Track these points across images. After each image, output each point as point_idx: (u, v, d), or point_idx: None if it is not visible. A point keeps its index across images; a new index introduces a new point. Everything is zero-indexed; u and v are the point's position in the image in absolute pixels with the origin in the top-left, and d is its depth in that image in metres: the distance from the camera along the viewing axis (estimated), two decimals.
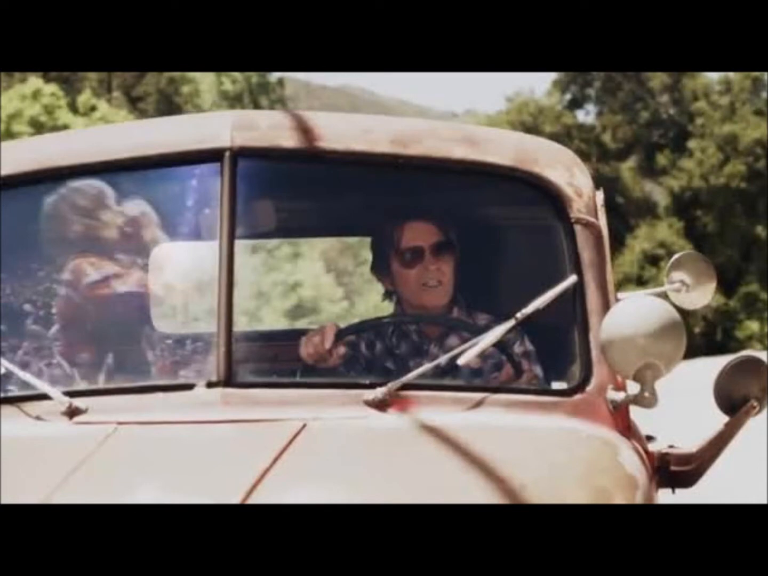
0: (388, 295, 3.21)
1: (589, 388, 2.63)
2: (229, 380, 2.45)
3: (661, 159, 43.41)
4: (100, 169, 2.76)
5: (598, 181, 3.00)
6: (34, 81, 26.23)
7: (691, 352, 4.85)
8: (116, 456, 2.24)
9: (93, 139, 2.91)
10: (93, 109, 28.70)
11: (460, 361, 2.56)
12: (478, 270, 3.20)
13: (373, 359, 3.11)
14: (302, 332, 2.98)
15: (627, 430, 2.70)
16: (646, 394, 2.44)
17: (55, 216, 2.78)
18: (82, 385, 2.64)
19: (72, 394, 2.47)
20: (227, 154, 2.61)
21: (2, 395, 2.56)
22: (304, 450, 2.21)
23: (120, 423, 2.36)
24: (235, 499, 1.95)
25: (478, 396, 2.56)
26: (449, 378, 2.72)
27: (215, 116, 3.02)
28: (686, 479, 2.89)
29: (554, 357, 2.87)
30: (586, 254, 2.73)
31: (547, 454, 2.40)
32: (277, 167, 2.78)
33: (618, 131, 43.56)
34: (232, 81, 37.37)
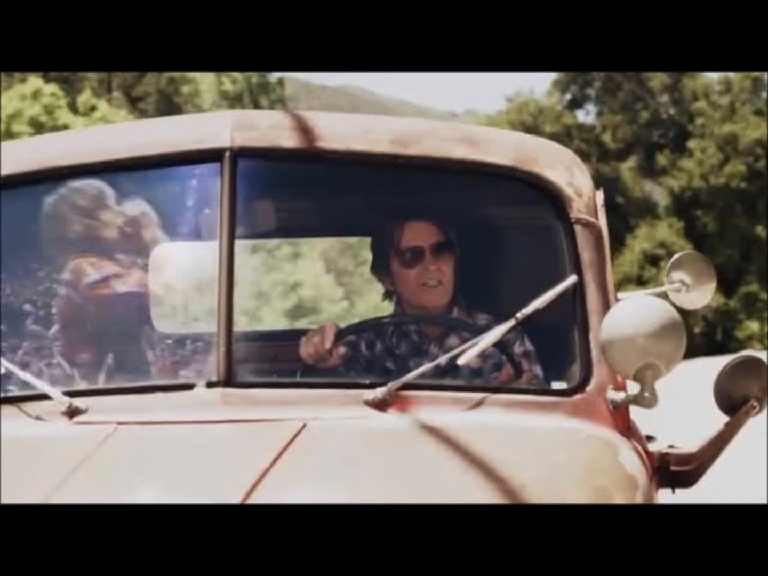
0: (388, 295, 3.21)
1: (589, 388, 2.63)
2: (229, 380, 2.45)
3: (661, 159, 43.41)
4: (100, 169, 2.76)
5: (598, 181, 3.00)
6: (34, 81, 26.23)
7: (691, 352, 4.85)
8: (116, 456, 2.24)
9: (93, 139, 2.91)
10: (93, 109, 28.70)
11: (460, 361, 2.56)
12: (478, 270, 3.20)
13: (373, 359, 3.11)
14: (302, 332, 2.98)
15: (627, 430, 2.70)
16: (646, 394, 2.44)
17: (55, 216, 2.78)
18: (82, 385, 2.63)
19: (72, 394, 2.47)
20: (227, 154, 2.61)
21: (2, 395, 2.56)
22: (304, 450, 2.21)
23: (120, 423, 2.36)
24: (235, 499, 1.95)
25: (478, 396, 2.56)
26: (449, 378, 2.72)
27: (215, 116, 3.02)
28: (686, 479, 2.89)
29: (554, 357, 2.87)
30: (586, 254, 2.73)
31: (547, 454, 2.40)
32: (277, 167, 2.78)
33: (618, 131, 43.57)
34: (232, 81, 37.37)
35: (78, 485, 2.07)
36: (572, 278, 2.69)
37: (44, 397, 2.48)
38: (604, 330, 2.44)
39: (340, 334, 2.91)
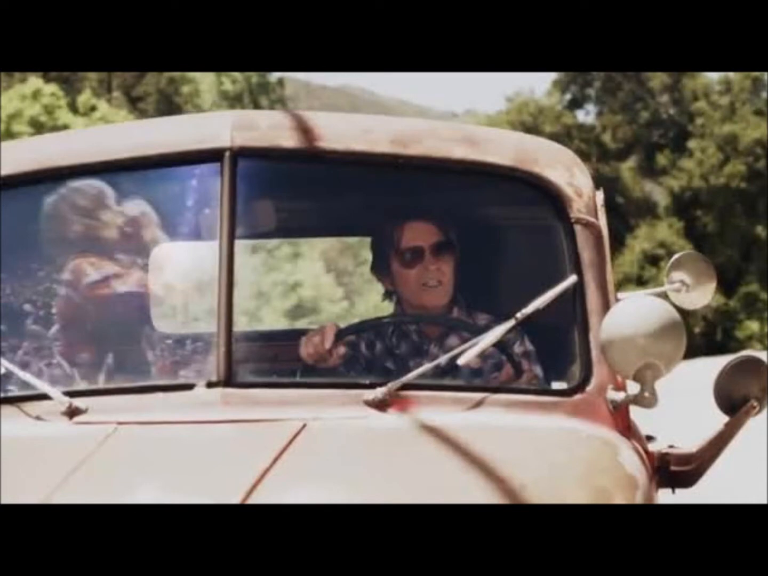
0: (388, 295, 3.21)
1: (589, 388, 2.63)
2: (229, 380, 2.45)
3: (661, 159, 43.41)
4: (100, 169, 2.76)
5: (598, 181, 3.00)
6: (34, 81, 26.23)
7: (691, 352, 4.85)
8: (116, 456, 2.24)
9: (93, 139, 2.91)
10: (93, 109, 28.70)
11: (460, 361, 2.56)
12: (478, 270, 3.20)
13: (373, 359, 3.11)
14: (302, 332, 2.98)
15: (627, 430, 2.70)
16: (646, 394, 2.44)
17: (55, 216, 2.78)
18: (82, 385, 2.63)
19: (72, 394, 2.47)
20: (227, 154, 2.61)
21: (2, 395, 2.56)
22: (304, 450, 2.21)
23: (120, 423, 2.35)
24: (235, 499, 1.95)
25: (478, 396, 2.56)
26: (449, 378, 2.72)
27: (215, 116, 3.02)
28: (686, 479, 2.89)
29: (554, 357, 2.87)
30: (586, 254, 2.73)
31: (547, 454, 2.40)
32: (277, 167, 2.78)
33: (618, 131, 43.57)
34: (232, 81, 37.37)
35: (78, 485, 2.07)
36: (572, 278, 2.69)
37: (44, 397, 2.48)
38: (604, 330, 2.44)
39: (340, 334, 2.91)
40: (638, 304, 2.45)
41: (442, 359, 2.60)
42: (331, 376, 2.84)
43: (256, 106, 34.57)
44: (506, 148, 2.82)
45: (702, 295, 2.83)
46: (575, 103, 45.13)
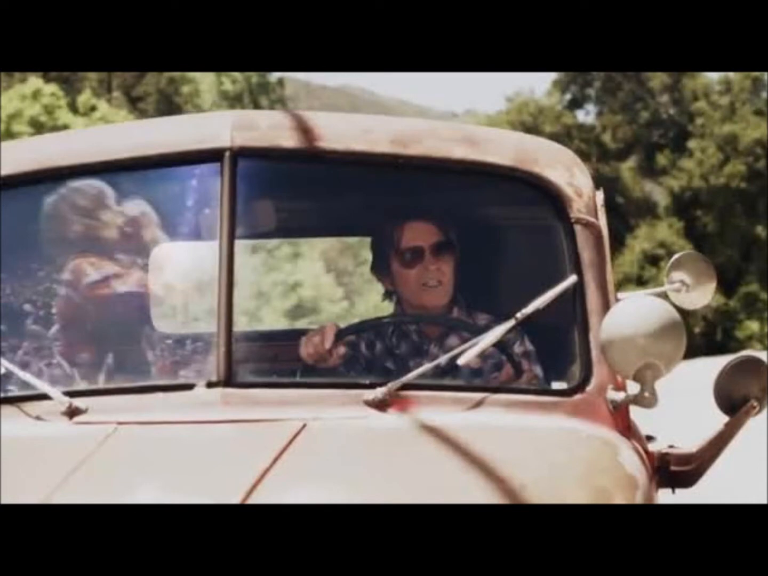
0: (388, 295, 3.21)
1: (589, 388, 2.63)
2: (229, 380, 2.45)
3: (661, 159, 43.41)
4: (100, 169, 2.76)
5: (598, 181, 3.00)
6: (34, 81, 26.23)
7: (691, 352, 4.85)
8: (116, 456, 2.24)
9: (93, 139, 2.91)
10: (93, 109, 28.70)
11: (460, 361, 2.56)
12: (478, 270, 3.20)
13: (373, 359, 3.11)
14: (302, 332, 2.98)
15: (627, 430, 2.70)
16: (646, 394, 2.44)
17: (55, 216, 2.78)
18: (82, 385, 2.63)
19: (72, 394, 2.47)
20: (227, 154, 2.61)
21: (2, 395, 2.56)
22: (304, 450, 2.21)
23: (120, 423, 2.35)
24: (235, 499, 1.95)
25: (478, 396, 2.56)
26: (449, 378, 2.72)
27: (215, 116, 3.02)
28: (686, 479, 2.89)
29: (554, 357, 2.87)
30: (586, 254, 2.73)
31: (547, 454, 2.40)
32: (277, 167, 2.78)
33: (618, 131, 43.57)
34: (232, 81, 37.37)
35: (78, 485, 2.07)
36: (572, 278, 2.69)
37: (44, 397, 2.48)
38: (604, 330, 2.44)
39: (340, 334, 2.91)
40: (638, 304, 2.45)
41: (442, 359, 2.60)
42: (331, 376, 2.84)
43: (256, 106, 34.57)
44: (506, 148, 2.82)
45: (702, 295, 2.83)
46: (575, 103, 45.14)
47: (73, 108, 28.07)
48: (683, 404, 10.85)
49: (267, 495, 1.98)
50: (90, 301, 2.75)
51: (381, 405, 2.46)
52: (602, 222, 2.84)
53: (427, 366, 2.56)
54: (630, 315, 2.42)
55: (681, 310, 2.58)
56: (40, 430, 2.44)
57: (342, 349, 2.90)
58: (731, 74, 41.59)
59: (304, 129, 2.73)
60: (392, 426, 2.42)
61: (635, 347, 2.39)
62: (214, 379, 2.45)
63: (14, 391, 2.58)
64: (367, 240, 3.32)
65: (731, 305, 39.19)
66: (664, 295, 2.74)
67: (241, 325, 2.66)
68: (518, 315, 2.60)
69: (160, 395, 2.47)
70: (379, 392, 2.47)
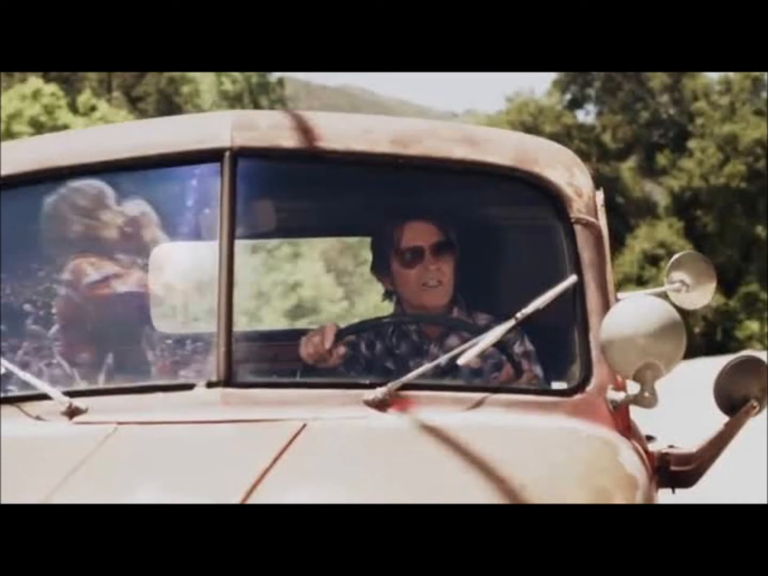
0: (388, 295, 3.21)
1: (589, 388, 2.63)
2: (229, 380, 2.45)
3: (661, 159, 43.42)
4: (100, 169, 2.76)
5: (598, 181, 3.00)
6: (34, 81, 26.23)
7: (691, 352, 4.85)
8: (116, 456, 2.24)
9: (93, 139, 2.91)
10: (93, 109, 28.70)
11: (460, 361, 2.56)
12: (478, 270, 3.20)
13: (373, 359, 3.11)
14: (302, 332, 2.98)
15: (627, 430, 2.70)
16: (646, 394, 2.44)
17: (55, 216, 2.78)
18: (82, 385, 2.63)
19: (72, 394, 2.47)
20: (227, 154, 2.61)
21: (2, 395, 2.56)
22: (304, 450, 2.21)
23: (120, 423, 2.35)
24: (235, 499, 1.95)
25: (478, 396, 2.56)
26: (449, 378, 2.72)
27: (215, 116, 3.02)
28: (686, 479, 2.89)
29: (554, 357, 2.87)
30: (586, 254, 2.73)
31: (547, 454, 2.40)
32: (277, 167, 2.78)
33: (618, 131, 43.57)
34: (232, 81, 37.37)
35: (78, 485, 2.07)
36: (572, 278, 2.69)
37: (44, 397, 2.48)
38: (604, 330, 2.44)
39: (340, 334, 2.91)
40: (638, 304, 2.45)
41: (442, 359, 2.60)
42: (331, 376, 2.84)
43: (256, 106, 34.57)
44: (506, 148, 2.82)
45: (702, 295, 2.83)
46: (575, 103, 45.14)
47: (73, 108, 28.07)
48: (683, 404, 10.85)
49: (267, 495, 1.98)
50: (90, 301, 2.75)
51: (381, 405, 2.46)
52: (602, 222, 2.84)
53: (427, 366, 2.56)
54: (630, 315, 2.41)
55: (681, 310, 2.58)
56: (40, 430, 2.44)
57: (342, 349, 2.90)
58: (731, 74, 41.61)
59: (304, 129, 2.73)
60: (392, 426, 2.42)
61: (635, 347, 2.39)
62: (214, 379, 2.45)
63: (14, 391, 2.57)
64: (367, 240, 3.32)
65: (731, 305, 39.19)
66: (664, 295, 2.74)
67: (241, 325, 2.66)
68: (518, 315, 2.60)
69: (160, 395, 2.47)
70: (379, 392, 2.47)
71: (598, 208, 2.85)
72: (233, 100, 35.92)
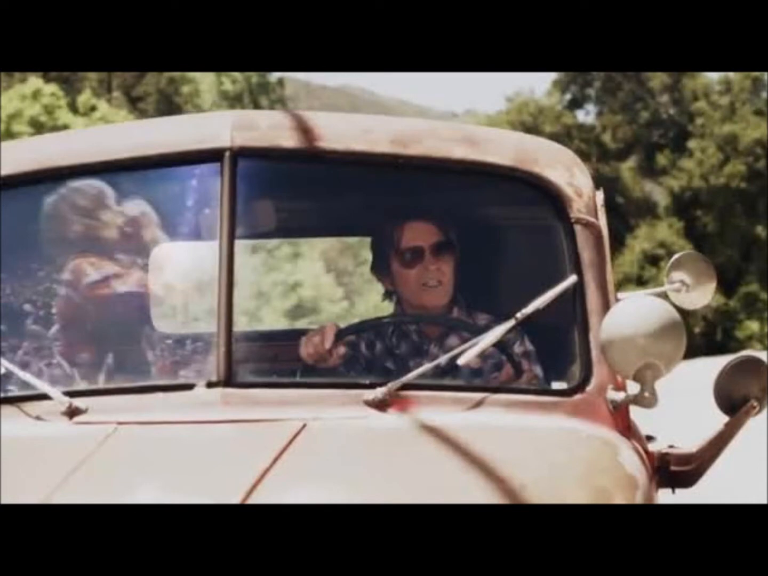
0: (388, 295, 3.21)
1: (589, 388, 2.63)
2: (229, 380, 2.45)
3: (661, 159, 43.42)
4: (100, 169, 2.76)
5: (598, 181, 3.00)
6: (34, 81, 26.23)
7: (691, 352, 4.85)
8: (116, 456, 2.24)
9: (93, 139, 2.91)
10: (93, 109, 28.70)
11: (460, 361, 2.56)
12: (478, 270, 3.20)
13: (373, 359, 3.11)
14: (302, 332, 2.98)
15: (627, 430, 2.70)
16: (646, 394, 2.44)
17: (55, 216, 2.78)
18: (82, 385, 2.63)
19: (72, 394, 2.47)
20: (227, 154, 2.61)
21: (2, 395, 2.56)
22: (304, 450, 2.21)
23: (120, 423, 2.35)
24: (235, 499, 1.95)
25: (478, 396, 2.56)
26: (449, 378, 2.72)
27: (215, 116, 3.02)
28: (686, 479, 2.89)
29: (554, 357, 2.87)
30: (586, 254, 2.73)
31: (547, 454, 2.40)
32: (277, 167, 2.78)
33: (618, 131, 43.57)
34: (232, 81, 37.37)
35: (78, 485, 2.07)
36: (572, 278, 2.69)
37: (44, 397, 2.48)
38: (604, 330, 2.44)
39: (340, 334, 2.91)
40: (638, 304, 2.45)
41: (442, 359, 2.60)
42: (331, 376, 2.84)
43: (256, 106, 34.57)
44: (506, 148, 2.82)
45: (702, 295, 2.83)
46: (575, 103, 45.14)
47: (73, 108, 28.07)
48: (683, 404, 10.85)
49: (267, 495, 1.98)
50: (90, 301, 2.75)
51: (381, 405, 2.46)
52: (602, 222, 2.84)
53: (427, 366, 2.56)
54: (630, 315, 2.41)
55: (681, 310, 2.58)
56: (40, 430, 2.44)
57: (342, 349, 2.90)
58: (731, 74, 41.61)
59: (304, 129, 2.73)
60: (392, 426, 2.42)
61: (635, 347, 2.39)
62: (214, 379, 2.45)
63: (14, 391, 2.57)
64: (367, 240, 3.32)
65: (731, 305, 39.19)
66: (664, 295, 2.74)
67: (241, 325, 2.66)
68: (518, 315, 2.60)
69: (160, 395, 2.47)
70: (379, 392, 2.47)
71: (598, 208, 2.85)
72: (233, 100, 35.92)
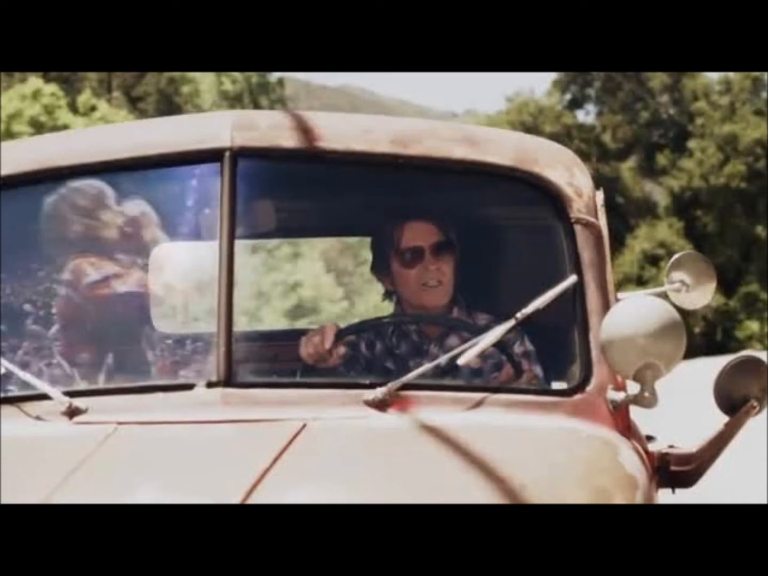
0: (388, 295, 3.21)
1: (589, 388, 2.63)
2: (229, 380, 2.45)
3: (661, 159, 43.42)
4: (100, 169, 2.76)
5: (598, 181, 3.00)
6: (34, 81, 26.23)
7: (691, 352, 4.85)
8: (116, 456, 2.24)
9: (93, 139, 2.91)
10: (93, 109, 28.70)
11: (460, 361, 2.56)
12: (478, 270, 3.20)
13: (373, 359, 3.11)
14: (302, 332, 2.98)
15: (627, 430, 2.70)
16: (646, 394, 2.44)
17: (55, 216, 2.78)
18: (82, 385, 2.63)
19: (72, 394, 2.47)
20: (227, 154, 2.61)
21: (2, 395, 2.56)
22: (304, 450, 2.21)
23: (120, 423, 2.36)
24: (235, 499, 1.95)
25: (478, 396, 2.56)
26: (449, 378, 2.72)
27: (215, 116, 3.02)
28: (686, 479, 2.89)
29: (554, 357, 2.87)
30: (586, 254, 2.73)
31: (547, 454, 2.40)
32: (277, 167, 2.78)
33: (618, 131, 43.57)
34: (232, 81, 37.37)
35: (78, 485, 2.07)
36: (572, 278, 2.69)
37: (44, 397, 2.48)
38: (604, 330, 2.44)
39: (340, 334, 2.91)
40: (638, 304, 2.45)
41: (442, 359, 2.60)
42: (331, 376, 2.84)
43: (256, 106, 34.57)
44: (506, 148, 2.82)
45: (702, 295, 2.83)
46: (575, 103, 45.14)
47: (73, 108, 28.07)
48: (683, 404, 10.85)
49: (267, 495, 1.98)
50: (90, 301, 2.75)
51: (381, 405, 2.46)
52: (602, 222, 2.84)
53: (427, 366, 2.56)
54: (630, 315, 2.41)
55: (681, 310, 2.58)
56: (40, 430, 2.44)
57: (342, 349, 2.90)
58: (731, 74, 41.60)
59: (304, 129, 2.73)
60: (392, 426, 2.42)
61: (635, 347, 2.39)
62: (214, 379, 2.45)
63: (14, 391, 2.57)
64: (367, 240, 3.32)
65: (731, 305, 39.19)
66: (664, 295, 2.74)
67: (241, 325, 2.66)
68: (518, 315, 2.60)
69: (160, 395, 2.47)
70: (379, 392, 2.47)
71: (598, 208, 2.85)
72: (233, 100, 35.92)
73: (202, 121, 2.86)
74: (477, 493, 2.06)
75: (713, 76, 43.71)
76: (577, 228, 2.75)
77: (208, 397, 2.42)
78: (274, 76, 40.26)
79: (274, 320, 17.78)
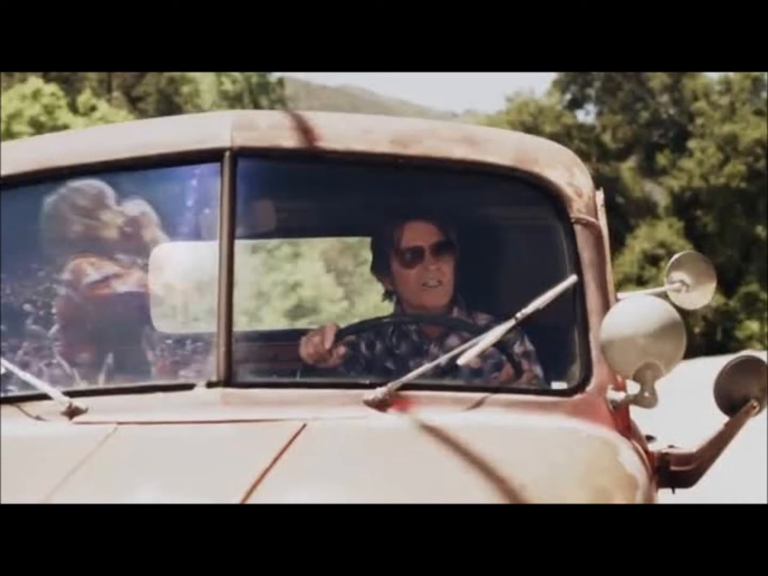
0: (388, 295, 3.21)
1: (589, 388, 2.63)
2: (229, 380, 2.45)
3: (661, 159, 43.42)
4: (100, 169, 2.76)
5: (598, 181, 3.00)
6: (34, 81, 26.23)
7: (691, 352, 4.85)
8: (116, 456, 2.24)
9: (93, 139, 2.91)
10: (93, 109, 28.70)
11: (460, 361, 2.56)
12: (478, 270, 3.20)
13: (373, 359, 3.11)
14: (302, 332, 2.98)
15: (627, 430, 2.70)
16: (646, 394, 2.44)
17: (55, 216, 2.78)
18: (82, 385, 2.63)
19: (72, 394, 2.47)
20: (227, 154, 2.61)
21: (2, 395, 2.56)
22: (304, 450, 2.21)
23: (120, 423, 2.36)
24: (235, 499, 1.95)
25: (478, 396, 2.56)
26: (449, 378, 2.72)
27: (215, 116, 3.02)
28: (686, 479, 2.89)
29: (554, 357, 2.87)
30: (586, 254, 2.73)
31: (547, 454, 2.40)
32: (277, 167, 2.78)
33: (618, 131, 43.57)
34: (232, 81, 37.37)
35: (78, 485, 2.07)
36: (572, 278, 2.69)
37: (44, 397, 2.48)
38: (604, 330, 2.44)
39: (340, 334, 2.91)
40: (638, 304, 2.45)
41: (442, 359, 2.60)
42: (331, 376, 2.84)
43: (256, 106, 34.57)
44: (506, 148, 2.82)
45: (702, 295, 2.83)
46: (575, 103, 45.14)
47: (73, 108, 28.07)
48: (683, 404, 10.85)
49: (267, 495, 1.98)
50: (90, 301, 2.75)
51: (381, 405, 2.46)
52: (602, 222, 2.84)
53: (427, 366, 2.56)
54: (630, 315, 2.42)
55: (681, 310, 2.58)
56: (40, 430, 2.44)
57: (342, 349, 2.90)
58: (731, 74, 41.60)
59: (304, 129, 2.73)
60: (392, 426, 2.42)
61: (635, 347, 2.39)
62: (214, 379, 2.45)
63: (14, 391, 2.58)
64: (367, 240, 3.32)
65: (731, 305, 39.19)
66: (664, 295, 2.74)
67: (241, 325, 2.66)
68: (518, 315, 2.60)
69: (160, 395, 2.47)
70: (379, 392, 2.47)
71: (598, 208, 2.85)
72: (233, 100, 35.92)
73: (202, 121, 2.86)
74: (477, 493, 2.06)
75: (713, 76, 43.77)
76: (577, 228, 2.75)
77: (208, 397, 2.42)
78: (274, 76, 40.30)
79: (274, 320, 17.79)
